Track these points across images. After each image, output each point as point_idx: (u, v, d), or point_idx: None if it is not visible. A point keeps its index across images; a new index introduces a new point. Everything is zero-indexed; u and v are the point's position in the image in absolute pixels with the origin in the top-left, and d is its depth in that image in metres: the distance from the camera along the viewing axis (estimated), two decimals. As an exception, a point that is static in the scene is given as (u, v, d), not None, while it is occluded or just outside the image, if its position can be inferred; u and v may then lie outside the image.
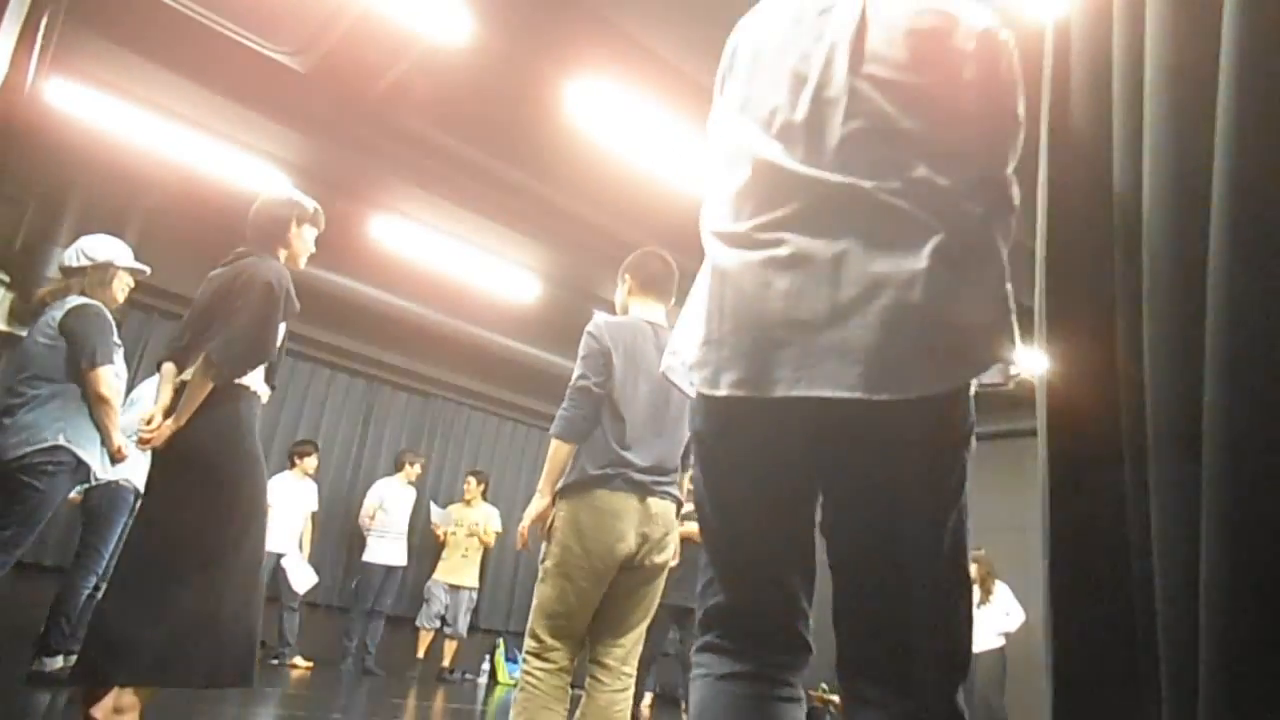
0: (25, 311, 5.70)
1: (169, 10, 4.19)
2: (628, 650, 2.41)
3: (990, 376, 1.18)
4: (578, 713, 2.37)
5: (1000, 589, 6.42)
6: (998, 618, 6.33)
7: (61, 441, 3.07)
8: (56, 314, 3.21)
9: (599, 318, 2.56)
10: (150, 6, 4.19)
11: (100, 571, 3.77)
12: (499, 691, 6.90)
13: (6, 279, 5.69)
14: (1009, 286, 1.17)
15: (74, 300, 3.26)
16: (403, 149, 5.20)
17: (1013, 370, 1.16)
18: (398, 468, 7.07)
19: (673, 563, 2.52)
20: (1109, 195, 1.59)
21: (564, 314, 6.75)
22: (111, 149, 5.21)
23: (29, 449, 3.01)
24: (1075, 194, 1.67)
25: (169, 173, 5.50)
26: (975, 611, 5.49)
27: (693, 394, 1.24)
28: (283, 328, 2.60)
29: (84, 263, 3.34)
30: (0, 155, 5.10)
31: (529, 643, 2.35)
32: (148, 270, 3.54)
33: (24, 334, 5.82)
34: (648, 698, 7.32)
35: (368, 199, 5.82)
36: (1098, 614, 1.52)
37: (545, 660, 2.30)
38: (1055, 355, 1.65)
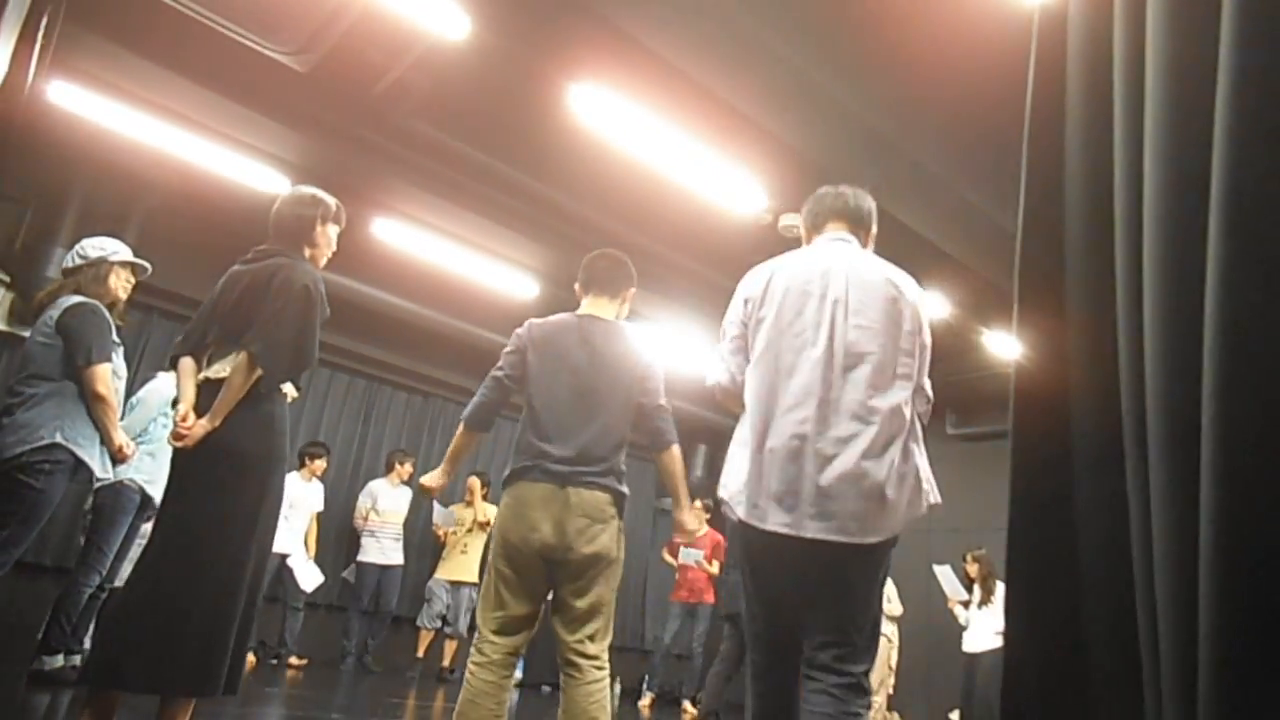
0: (26, 312, 5.70)
1: (169, 10, 4.19)
2: (585, 643, 2.38)
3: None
4: (559, 710, 2.39)
5: (1001, 589, 6.42)
6: (999, 618, 6.32)
7: (59, 440, 3.05)
8: (54, 313, 3.20)
9: (532, 320, 2.66)
10: (150, 6, 4.19)
11: (103, 571, 3.77)
12: None
13: (6, 279, 5.68)
14: (922, 462, 2.06)
15: (71, 299, 3.25)
16: (403, 149, 5.20)
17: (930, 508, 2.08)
18: (388, 469, 7.08)
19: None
20: (1104, 188, 1.59)
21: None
22: (111, 149, 5.21)
23: (26, 447, 3.00)
24: (1065, 186, 1.67)
25: (169, 173, 5.49)
26: (976, 612, 5.56)
27: (735, 517, 2.06)
28: None
29: (79, 262, 3.34)
30: (0, 155, 5.10)
31: (475, 636, 2.43)
32: (147, 266, 3.52)
33: (25, 334, 5.84)
34: (648, 697, 7.32)
35: (368, 199, 5.81)
36: (1060, 625, 1.51)
37: (480, 653, 2.36)
38: (1027, 351, 1.65)
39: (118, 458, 3.33)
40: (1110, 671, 1.46)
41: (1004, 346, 6.77)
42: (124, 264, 3.43)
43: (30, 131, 4.84)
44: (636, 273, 2.81)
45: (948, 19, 3.74)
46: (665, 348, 7.51)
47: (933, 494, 2.05)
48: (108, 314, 3.29)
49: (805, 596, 2.01)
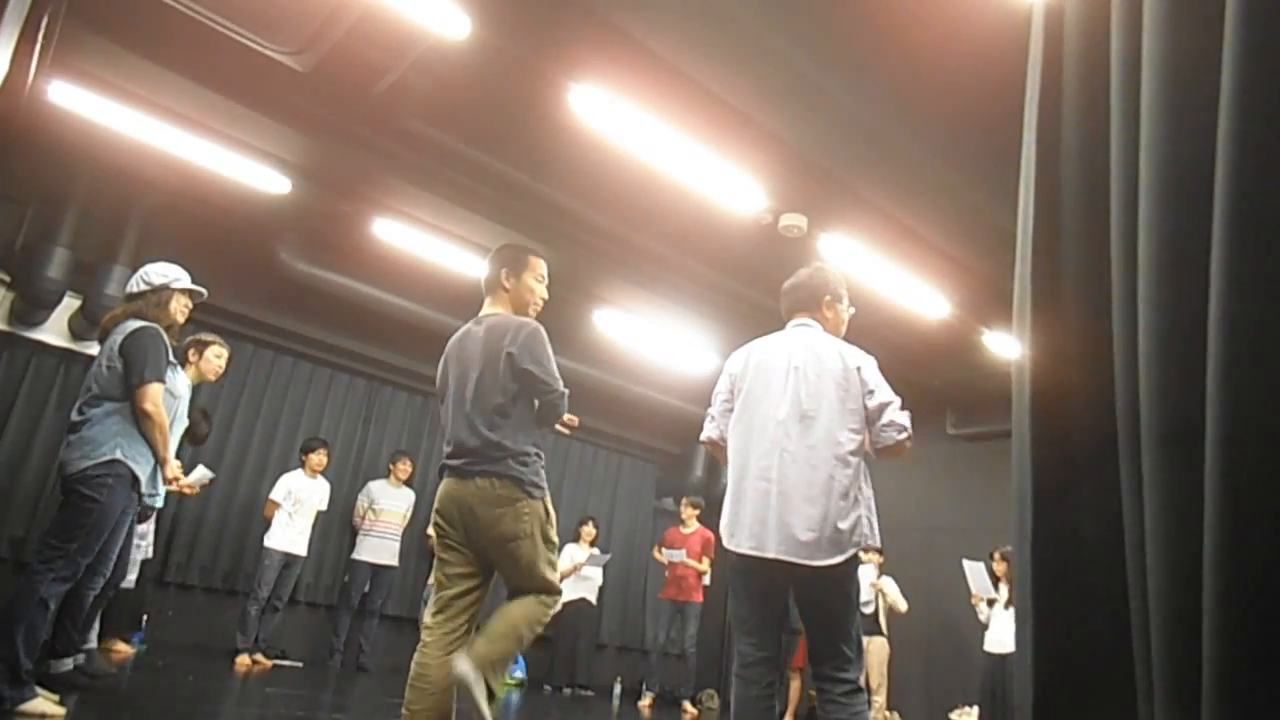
0: (27, 313, 5.72)
1: (169, 10, 4.19)
2: (524, 591, 2.62)
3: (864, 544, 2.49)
4: None
5: None
6: None
7: (118, 456, 3.23)
8: (118, 338, 3.38)
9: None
10: (150, 6, 4.18)
11: (106, 574, 3.78)
12: (500, 691, 6.89)
13: (7, 279, 5.69)
14: (867, 497, 2.51)
15: (132, 324, 3.42)
16: (403, 149, 5.20)
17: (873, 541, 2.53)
18: (388, 470, 7.09)
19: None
20: (1100, 188, 1.59)
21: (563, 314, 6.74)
22: (111, 149, 5.21)
23: (88, 463, 3.18)
24: (1063, 186, 1.67)
25: (169, 173, 5.49)
26: (1002, 611, 5.64)
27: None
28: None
29: (142, 288, 3.53)
30: (0, 155, 5.10)
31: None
32: (204, 292, 3.67)
33: (25, 334, 5.86)
34: (648, 697, 7.32)
35: (368, 199, 5.81)
36: (1085, 621, 1.51)
37: (424, 637, 2.64)
38: (1040, 351, 1.64)
39: (168, 480, 3.53)
40: (1107, 670, 1.46)
41: (1004, 346, 6.76)
42: (184, 290, 3.61)
43: (30, 131, 4.84)
44: (525, 255, 3.00)
45: (947, 19, 3.74)
46: (664, 348, 7.51)
47: (873, 536, 2.49)
48: (166, 337, 3.47)
49: (779, 602, 2.52)
